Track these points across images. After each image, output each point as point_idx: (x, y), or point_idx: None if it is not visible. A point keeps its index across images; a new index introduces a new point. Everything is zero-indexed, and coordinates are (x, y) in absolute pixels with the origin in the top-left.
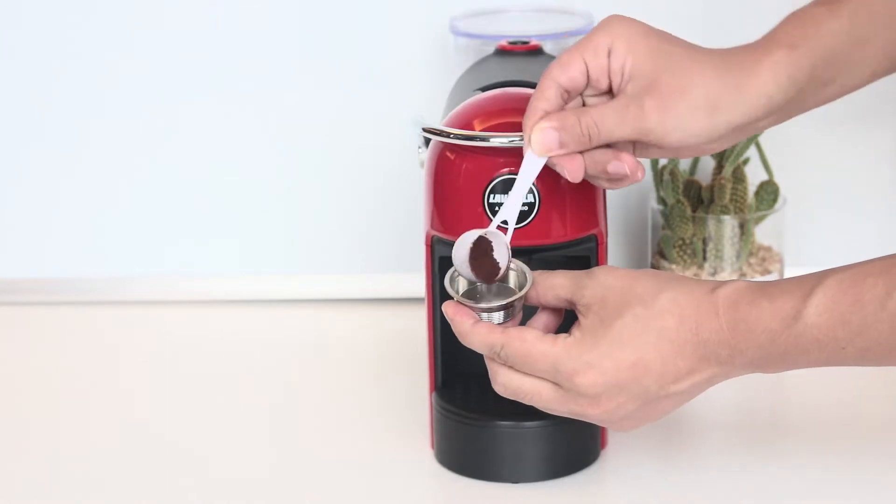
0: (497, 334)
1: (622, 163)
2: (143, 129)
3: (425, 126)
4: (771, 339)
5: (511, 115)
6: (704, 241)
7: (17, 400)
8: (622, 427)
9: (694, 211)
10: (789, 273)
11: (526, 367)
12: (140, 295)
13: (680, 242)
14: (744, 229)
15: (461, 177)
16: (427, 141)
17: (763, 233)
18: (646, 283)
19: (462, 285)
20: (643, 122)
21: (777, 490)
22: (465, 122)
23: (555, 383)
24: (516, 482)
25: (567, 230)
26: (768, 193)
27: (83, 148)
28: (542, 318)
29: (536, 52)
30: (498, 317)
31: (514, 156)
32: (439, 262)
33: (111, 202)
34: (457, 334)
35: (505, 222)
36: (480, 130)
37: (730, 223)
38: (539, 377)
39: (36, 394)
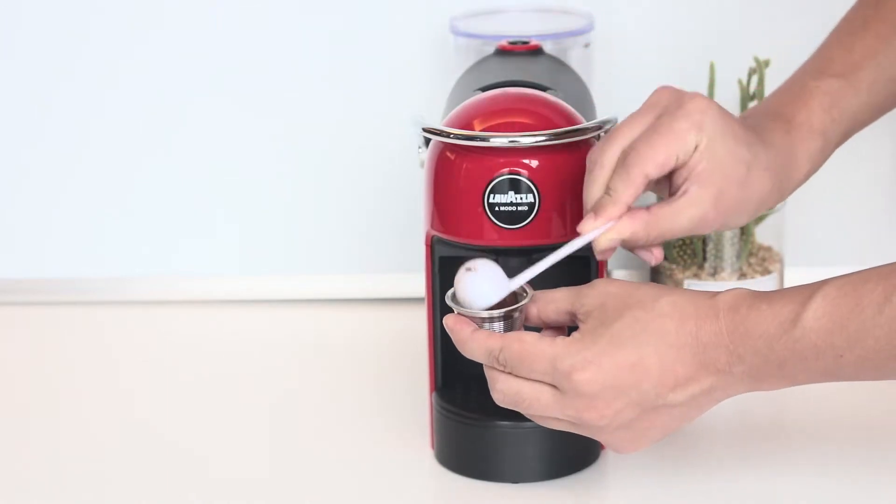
0: (496, 339)
1: (652, 256)
2: (143, 130)
3: (425, 126)
4: (769, 344)
5: (511, 115)
6: (704, 241)
7: (18, 400)
8: (619, 440)
9: None
10: (789, 273)
11: (524, 369)
12: (140, 295)
13: (680, 242)
14: (744, 229)
15: (461, 177)
16: (427, 141)
17: (763, 233)
18: (646, 290)
19: None
20: (702, 231)
21: (777, 492)
22: (465, 122)
23: (553, 386)
24: (516, 482)
25: (567, 230)
26: None
27: (83, 148)
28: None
29: (536, 52)
30: (499, 327)
31: (515, 156)
32: (439, 262)
33: (111, 202)
34: (456, 343)
35: (523, 289)
36: (480, 130)
37: None
38: (537, 380)
39: (36, 394)
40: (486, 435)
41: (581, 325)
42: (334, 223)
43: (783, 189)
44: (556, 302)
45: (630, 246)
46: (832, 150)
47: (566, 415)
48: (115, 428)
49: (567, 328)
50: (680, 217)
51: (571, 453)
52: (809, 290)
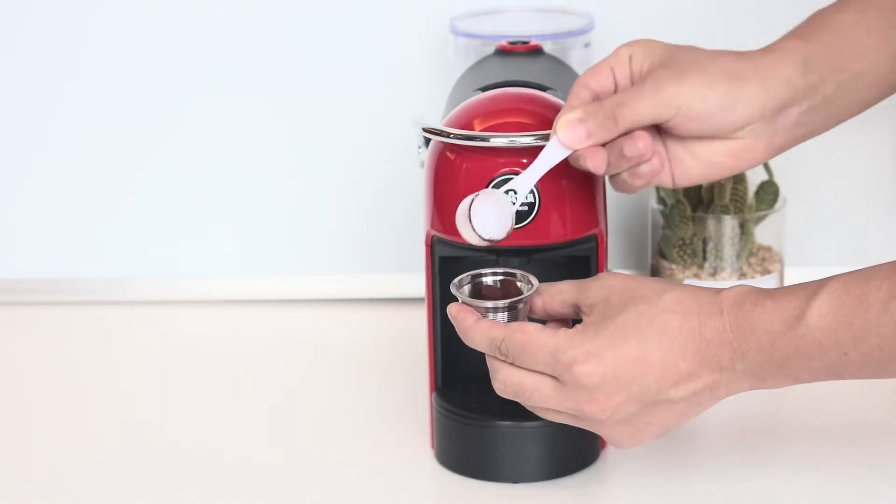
0: (499, 328)
1: (634, 140)
2: (143, 130)
3: (425, 126)
4: (772, 341)
5: (511, 115)
6: (704, 241)
7: (18, 400)
8: (619, 434)
9: (694, 211)
10: (789, 273)
11: (526, 359)
12: (140, 295)
13: (680, 242)
14: (744, 229)
15: (461, 177)
16: (427, 141)
17: (763, 233)
18: (650, 284)
19: (468, 290)
20: (661, 92)
21: (778, 491)
22: (465, 122)
23: (554, 377)
24: (516, 482)
25: (567, 230)
26: (768, 193)
27: (84, 148)
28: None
29: (536, 52)
30: (502, 317)
31: (515, 156)
32: (439, 262)
33: (112, 202)
34: (459, 332)
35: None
36: (480, 130)
37: (730, 223)
38: (539, 371)
39: (37, 394)
40: (486, 435)
41: (584, 318)
42: (334, 223)
43: (759, 64)
44: (561, 294)
45: (598, 129)
46: (820, 48)
47: (566, 407)
48: (115, 428)
49: (571, 321)
50: (642, 95)
51: (571, 453)
52: (814, 287)
